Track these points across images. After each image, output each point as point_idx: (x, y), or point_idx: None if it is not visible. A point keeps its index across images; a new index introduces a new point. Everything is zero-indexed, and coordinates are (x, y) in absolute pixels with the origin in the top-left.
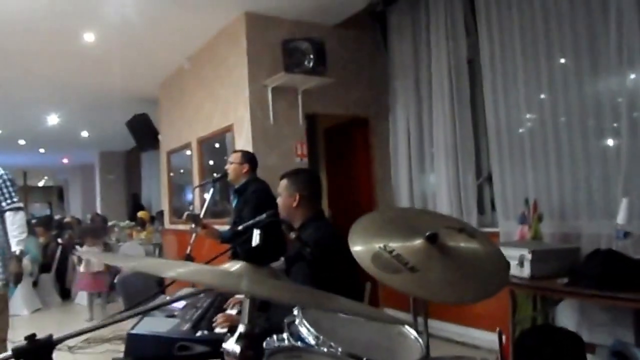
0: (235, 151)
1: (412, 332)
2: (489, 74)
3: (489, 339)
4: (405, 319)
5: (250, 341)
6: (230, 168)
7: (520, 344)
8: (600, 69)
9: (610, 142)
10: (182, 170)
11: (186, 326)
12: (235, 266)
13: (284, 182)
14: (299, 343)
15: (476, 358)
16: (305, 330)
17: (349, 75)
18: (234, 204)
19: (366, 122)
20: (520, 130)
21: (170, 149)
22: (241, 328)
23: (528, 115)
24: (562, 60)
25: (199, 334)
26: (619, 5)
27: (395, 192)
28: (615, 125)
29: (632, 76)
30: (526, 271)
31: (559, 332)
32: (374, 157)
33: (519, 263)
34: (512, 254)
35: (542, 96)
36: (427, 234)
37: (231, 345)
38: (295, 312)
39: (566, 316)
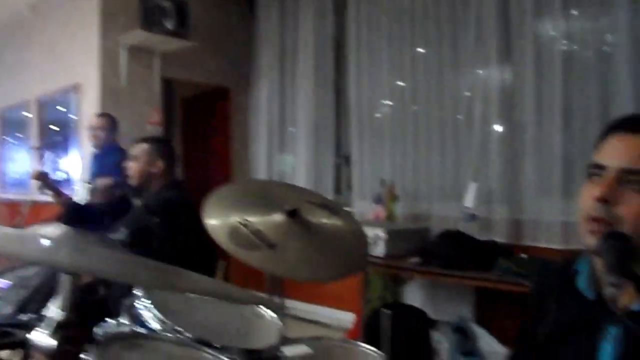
0: (99, 115)
1: (269, 313)
2: (354, 55)
3: (341, 317)
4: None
5: (70, 332)
6: (93, 133)
7: (371, 320)
8: (460, 61)
9: (463, 130)
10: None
11: (8, 309)
12: (53, 230)
13: (144, 147)
14: (140, 329)
15: (334, 338)
16: (149, 314)
17: (213, 42)
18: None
19: (227, 93)
20: (381, 114)
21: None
22: (57, 315)
23: (389, 100)
24: (424, 50)
25: (25, 318)
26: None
27: (253, 169)
28: (468, 115)
29: (485, 70)
30: (380, 250)
31: (406, 308)
32: (233, 131)
33: (374, 242)
34: (370, 233)
35: (404, 82)
36: (287, 208)
37: (41, 337)
38: (137, 292)
39: (414, 294)
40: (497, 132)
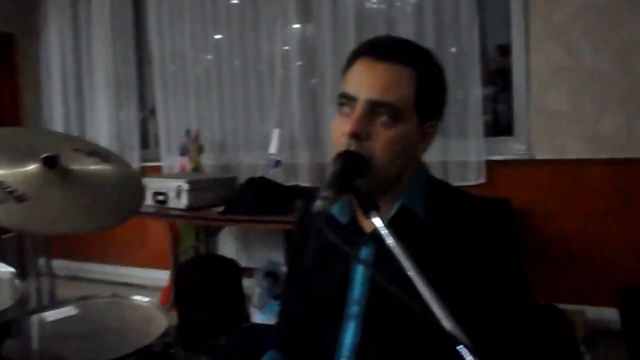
0: None
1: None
2: (154, 1)
3: (156, 276)
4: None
5: None
6: None
7: (180, 275)
8: (262, 17)
9: (266, 81)
10: None
11: None
12: None
13: None
14: None
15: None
16: None
17: None
18: None
19: (12, 40)
20: (184, 63)
21: None
22: None
23: (192, 49)
24: (227, 4)
25: None
26: None
27: (49, 126)
28: (271, 66)
29: (286, 25)
30: (183, 202)
31: (216, 259)
32: (22, 84)
33: (176, 194)
34: (170, 186)
35: (207, 34)
36: (44, 156)
37: None
38: None
39: (226, 244)
40: (298, 82)
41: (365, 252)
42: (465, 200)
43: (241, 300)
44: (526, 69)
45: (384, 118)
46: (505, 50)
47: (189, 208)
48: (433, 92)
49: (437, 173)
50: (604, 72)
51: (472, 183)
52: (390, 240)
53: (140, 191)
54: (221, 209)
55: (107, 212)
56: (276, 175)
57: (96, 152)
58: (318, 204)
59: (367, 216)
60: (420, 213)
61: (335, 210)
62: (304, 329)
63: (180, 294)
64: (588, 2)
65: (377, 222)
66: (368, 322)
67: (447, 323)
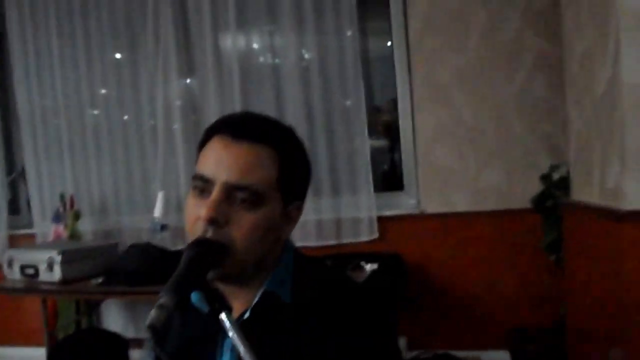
0: None
1: None
2: (20, 53)
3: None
4: None
5: None
6: None
7: (54, 355)
8: (142, 73)
9: (148, 139)
10: None
11: None
12: None
13: None
14: None
15: None
16: None
17: None
18: None
19: None
20: (56, 120)
21: None
22: None
23: (64, 105)
24: (115, 56)
25: None
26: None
27: None
28: (152, 123)
29: (168, 82)
30: (56, 275)
31: (98, 333)
32: None
33: (48, 267)
34: (40, 257)
35: (81, 86)
36: None
37: None
38: None
39: (113, 315)
40: (182, 139)
41: (228, 342)
42: (335, 282)
43: None
44: (412, 125)
45: (244, 201)
46: (395, 104)
47: (63, 281)
48: (297, 172)
49: (330, 231)
50: (483, 129)
51: (366, 239)
52: (240, 346)
53: None
54: (99, 279)
55: None
56: (163, 240)
57: None
58: (152, 315)
59: (216, 318)
60: (286, 298)
61: (195, 297)
62: None
63: None
64: (466, 63)
65: (226, 325)
66: None
67: None
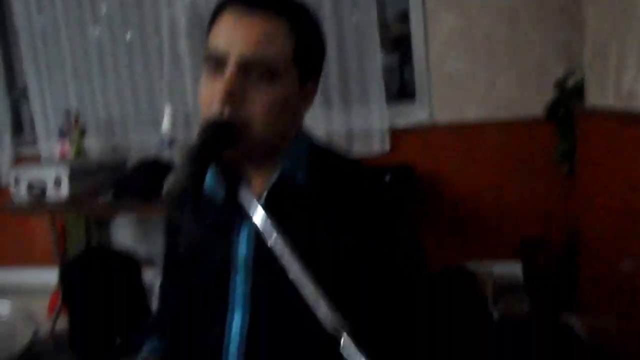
0: None
1: None
2: None
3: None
4: None
5: None
6: None
7: (67, 274)
8: None
9: (153, 52)
10: None
11: None
12: None
13: None
14: None
15: None
16: None
17: None
18: None
19: None
20: (57, 35)
21: None
22: None
23: (65, 19)
24: None
25: None
26: None
27: None
28: (157, 41)
29: None
30: (64, 192)
31: (109, 252)
32: None
33: (56, 183)
34: (47, 174)
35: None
36: None
37: None
38: None
39: (123, 233)
40: (189, 53)
41: (246, 226)
42: (349, 165)
43: (141, 295)
44: (424, 34)
45: (260, 77)
46: (404, 17)
47: (72, 198)
48: (313, 47)
49: (341, 142)
50: (497, 36)
51: (377, 151)
52: (261, 221)
53: None
54: (107, 195)
55: None
56: (171, 156)
57: None
58: (168, 185)
59: (235, 194)
60: (302, 180)
61: (209, 183)
62: (184, 320)
63: (70, 294)
64: None
65: (246, 200)
66: (255, 309)
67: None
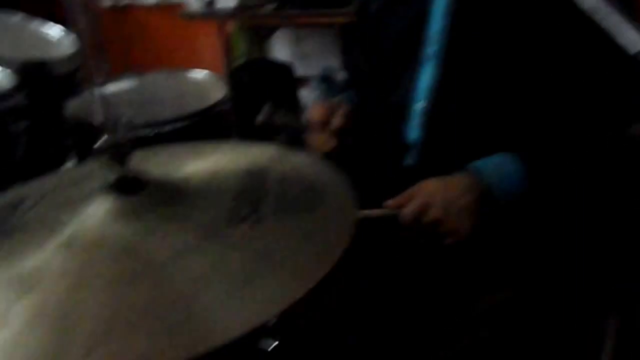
0: None
1: None
2: None
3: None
4: None
5: None
6: None
7: (233, 81)
8: None
9: None
10: None
11: None
12: None
13: None
14: None
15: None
16: None
17: None
18: None
19: None
20: None
21: None
22: None
23: None
24: None
25: None
26: None
27: None
28: None
29: None
30: (231, 1)
31: (269, 63)
32: None
33: None
34: None
35: None
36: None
37: None
38: None
39: (280, 49)
40: None
41: None
42: None
43: (295, 109)
44: None
45: None
46: None
47: (240, 6)
48: None
49: None
50: None
51: None
52: None
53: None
54: (271, 5)
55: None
56: None
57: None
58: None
59: None
60: None
61: None
62: (370, 80)
63: (235, 97)
64: None
65: None
66: (448, 62)
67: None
